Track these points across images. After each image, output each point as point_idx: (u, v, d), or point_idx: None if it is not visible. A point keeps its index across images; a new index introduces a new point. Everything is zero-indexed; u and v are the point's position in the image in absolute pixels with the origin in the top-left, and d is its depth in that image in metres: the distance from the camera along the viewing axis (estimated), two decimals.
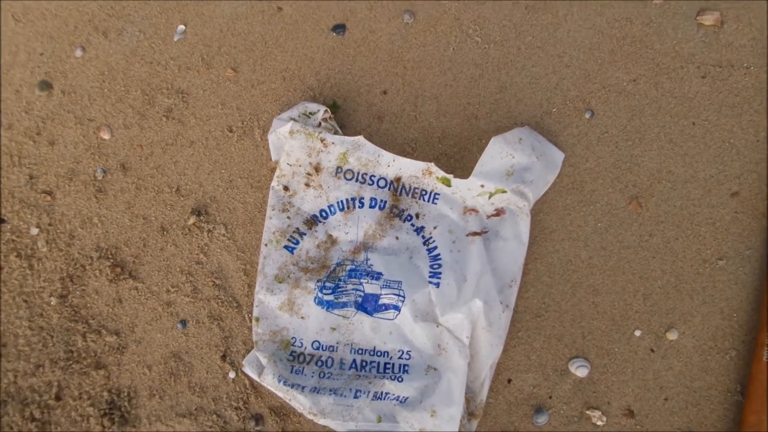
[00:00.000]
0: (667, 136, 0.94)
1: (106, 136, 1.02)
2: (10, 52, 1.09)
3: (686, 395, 0.85)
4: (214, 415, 0.90)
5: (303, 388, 0.84)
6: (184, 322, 0.93)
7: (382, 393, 0.84)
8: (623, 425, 0.85)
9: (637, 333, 0.88)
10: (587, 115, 0.95)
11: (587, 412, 0.86)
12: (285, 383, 0.84)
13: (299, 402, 0.84)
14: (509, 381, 0.88)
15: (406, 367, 0.87)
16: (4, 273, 0.98)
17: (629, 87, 0.96)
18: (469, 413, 0.85)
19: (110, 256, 0.97)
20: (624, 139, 0.94)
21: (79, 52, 1.07)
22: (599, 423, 0.85)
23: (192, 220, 0.97)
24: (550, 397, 0.87)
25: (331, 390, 0.84)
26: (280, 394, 0.85)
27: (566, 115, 0.96)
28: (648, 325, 0.88)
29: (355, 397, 0.84)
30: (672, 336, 0.87)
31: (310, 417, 0.84)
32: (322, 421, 0.83)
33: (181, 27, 1.06)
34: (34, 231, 0.99)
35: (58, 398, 0.93)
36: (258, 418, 0.89)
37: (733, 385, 0.85)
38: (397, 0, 1.02)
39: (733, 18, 0.97)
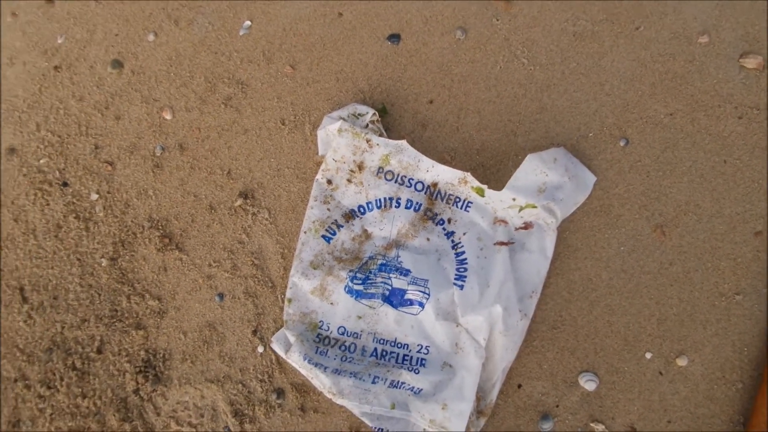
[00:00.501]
0: (698, 171, 0.97)
1: (168, 116, 1.10)
2: (87, 30, 1.18)
3: (689, 420, 0.89)
4: (240, 385, 0.96)
5: (325, 368, 0.90)
6: (221, 296, 1.00)
7: (398, 382, 0.90)
8: None
9: (648, 355, 0.91)
10: (622, 143, 0.99)
11: (591, 424, 0.90)
12: (309, 362, 0.90)
13: (321, 381, 0.90)
14: (519, 386, 0.92)
15: (424, 361, 0.92)
16: (62, 232, 1.07)
17: (666, 120, 1.00)
18: (478, 411, 0.90)
19: (160, 227, 1.05)
20: (655, 169, 0.98)
21: (151, 37, 1.15)
22: None
23: (239, 202, 1.04)
24: (557, 406, 0.91)
25: (351, 373, 0.90)
26: (303, 371, 0.91)
27: (602, 140, 1.00)
28: (659, 349, 0.91)
29: (373, 382, 0.89)
30: (682, 362, 0.90)
31: (329, 396, 0.89)
32: (339, 401, 0.89)
33: (247, 23, 1.13)
34: (94, 196, 1.08)
35: (99, 351, 1.00)
36: (280, 392, 0.96)
37: (736, 416, 0.88)
38: (451, 16, 1.08)
39: None
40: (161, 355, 0.99)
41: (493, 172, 1.01)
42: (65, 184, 1.09)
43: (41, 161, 1.11)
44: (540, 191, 0.93)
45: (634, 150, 0.99)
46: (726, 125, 0.98)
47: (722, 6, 1.03)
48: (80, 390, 0.99)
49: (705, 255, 0.94)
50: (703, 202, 0.96)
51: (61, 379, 0.99)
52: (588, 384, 0.91)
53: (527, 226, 0.95)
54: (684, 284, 0.93)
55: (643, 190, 0.97)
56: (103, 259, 1.04)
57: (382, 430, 0.88)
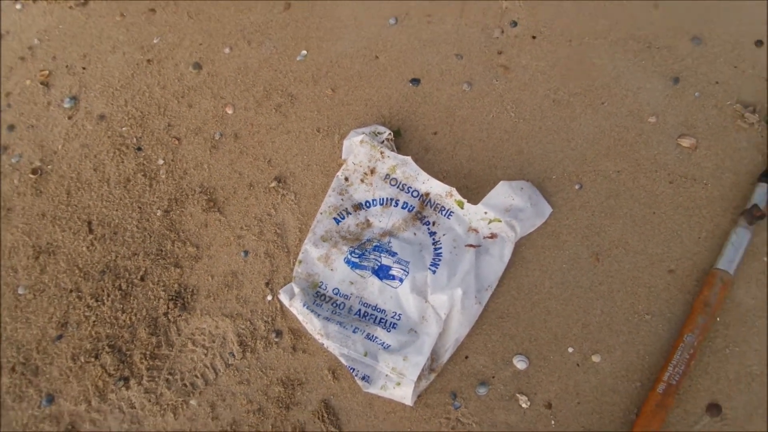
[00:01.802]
0: (631, 217, 1.24)
1: (229, 111, 1.40)
2: (178, 36, 1.50)
3: (595, 405, 1.12)
4: (248, 322, 1.21)
5: (318, 315, 1.15)
6: (246, 252, 1.26)
7: (373, 336, 1.14)
8: (541, 413, 1.12)
9: (570, 349, 1.15)
10: (577, 187, 1.27)
11: (517, 395, 1.13)
12: (307, 308, 1.15)
13: (313, 324, 1.15)
14: (466, 357, 1.16)
15: (395, 325, 1.16)
16: (130, 184, 1.34)
17: (613, 175, 1.28)
18: (431, 369, 1.13)
19: (208, 193, 1.32)
20: (599, 210, 1.25)
21: (227, 50, 1.47)
22: (524, 405, 1.12)
23: (273, 184, 1.32)
24: (493, 377, 1.14)
25: (338, 322, 1.15)
26: (300, 317, 1.16)
27: (562, 182, 1.28)
28: (580, 346, 1.15)
29: (354, 332, 1.14)
30: (596, 359, 1.14)
31: (318, 337, 1.14)
32: (325, 342, 1.14)
33: (304, 52, 1.45)
34: (160, 162, 1.36)
35: (142, 279, 1.26)
36: (278, 333, 1.20)
37: (632, 407, 1.11)
38: (462, 72, 1.39)
39: (705, 146, 1.28)
40: (190, 290, 1.25)
41: (474, 193, 1.28)
42: (139, 149, 1.38)
43: (123, 128, 1.40)
44: (506, 210, 1.20)
45: (585, 194, 1.27)
46: (659, 186, 1.26)
47: (671, 97, 1.33)
48: (121, 306, 1.24)
49: (627, 281, 1.19)
50: (632, 240, 1.22)
51: (108, 296, 1.25)
52: (520, 364, 1.14)
53: (493, 236, 1.22)
54: (607, 300, 1.18)
55: (587, 225, 1.24)
56: (158, 210, 1.32)
57: (354, 369, 1.12)
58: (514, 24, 1.44)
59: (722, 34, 1.39)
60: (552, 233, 1.24)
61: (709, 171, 1.27)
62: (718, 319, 1.16)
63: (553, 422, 1.11)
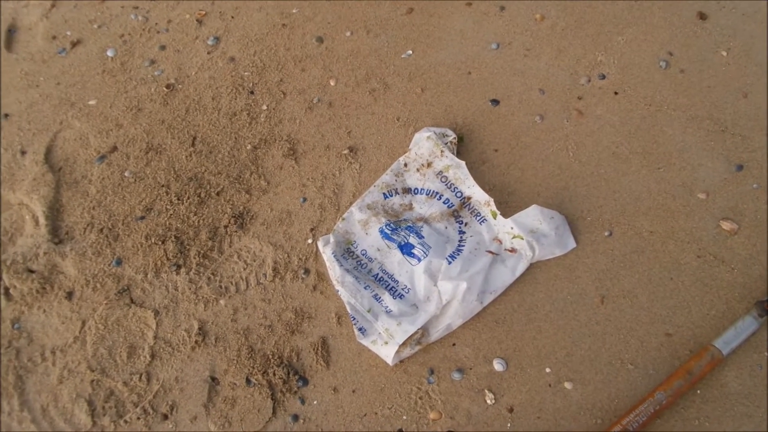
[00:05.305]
0: (648, 276, 1.31)
1: (332, 83, 1.62)
2: (313, 12, 1.75)
3: (552, 424, 1.20)
4: (287, 255, 1.41)
5: (341, 265, 1.33)
6: (305, 199, 1.47)
7: (380, 297, 1.30)
8: (501, 414, 1.22)
9: (548, 370, 1.24)
10: (606, 234, 1.35)
11: (486, 391, 1.24)
12: (335, 257, 1.34)
13: (334, 271, 1.33)
14: (454, 344, 1.29)
15: (403, 296, 1.32)
16: (235, 118, 1.60)
17: (645, 234, 1.35)
18: (418, 341, 1.27)
19: (291, 143, 1.55)
20: (620, 260, 1.33)
21: (348, 33, 1.70)
22: (489, 402, 1.23)
23: (346, 151, 1.52)
24: (471, 369, 1.26)
25: (354, 276, 1.32)
26: (327, 263, 1.35)
27: (594, 225, 1.37)
28: (558, 370, 1.24)
29: (365, 288, 1.31)
30: (568, 386, 1.22)
31: (335, 283, 1.32)
32: (339, 289, 1.31)
33: (410, 52, 1.64)
34: (264, 107, 1.61)
35: (218, 194, 1.50)
36: (307, 271, 1.39)
37: None
38: (539, 105, 1.52)
39: (745, 234, 1.32)
40: (251, 215, 1.47)
41: (511, 210, 1.40)
42: (252, 92, 1.63)
43: (245, 73, 1.67)
44: (531, 231, 1.32)
45: (613, 241, 1.35)
46: (686, 257, 1.32)
47: (729, 181, 1.38)
48: (195, 210, 1.49)
49: (623, 329, 1.26)
50: (641, 296, 1.29)
51: (188, 199, 1.50)
52: (498, 366, 1.25)
53: (513, 250, 1.33)
54: (597, 339, 1.26)
55: (604, 269, 1.32)
56: (249, 145, 1.56)
57: (355, 319, 1.29)
58: (603, 77, 1.55)
59: None
60: (568, 266, 1.34)
61: (741, 258, 1.31)
62: (698, 392, 1.20)
63: (509, 425, 1.21)
